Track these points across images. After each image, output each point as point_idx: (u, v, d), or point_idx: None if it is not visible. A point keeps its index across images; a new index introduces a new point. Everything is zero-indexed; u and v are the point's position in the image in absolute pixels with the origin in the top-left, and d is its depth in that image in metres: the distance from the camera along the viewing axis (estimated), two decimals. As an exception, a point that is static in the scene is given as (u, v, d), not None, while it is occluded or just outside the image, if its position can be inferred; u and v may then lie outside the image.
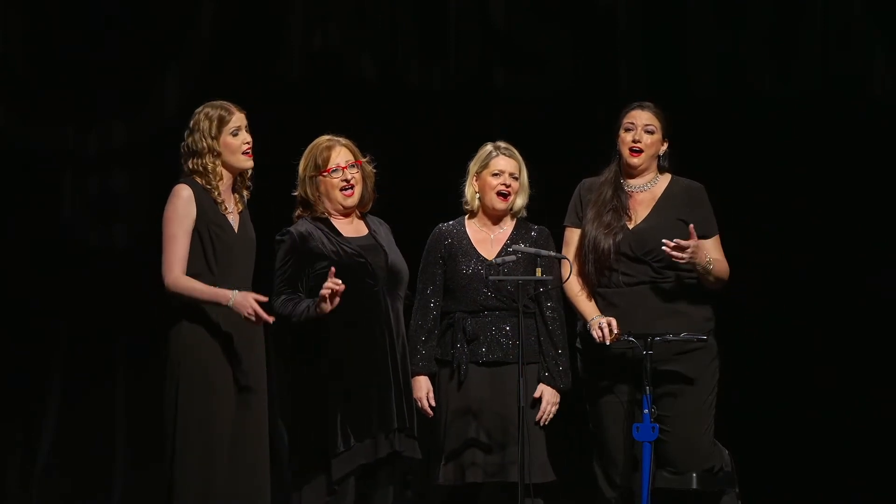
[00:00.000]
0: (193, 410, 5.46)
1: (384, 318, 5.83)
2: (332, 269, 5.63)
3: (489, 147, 6.12)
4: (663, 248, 5.79)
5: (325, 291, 5.60)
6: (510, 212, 6.11)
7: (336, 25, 7.85)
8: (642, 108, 6.06)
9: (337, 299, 5.62)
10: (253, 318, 5.42)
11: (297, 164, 5.98)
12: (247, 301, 5.42)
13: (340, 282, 5.60)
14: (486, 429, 5.93)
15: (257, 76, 7.68)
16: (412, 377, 5.96)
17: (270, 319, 5.46)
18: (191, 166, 5.61)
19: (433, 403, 6.00)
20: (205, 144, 5.58)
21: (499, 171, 6.05)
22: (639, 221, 6.01)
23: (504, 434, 5.91)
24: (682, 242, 5.79)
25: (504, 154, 6.08)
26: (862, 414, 7.61)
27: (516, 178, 6.07)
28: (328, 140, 5.95)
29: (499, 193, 6.04)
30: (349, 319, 5.77)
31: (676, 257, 5.80)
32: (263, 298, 5.48)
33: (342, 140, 5.95)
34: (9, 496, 7.69)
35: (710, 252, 5.95)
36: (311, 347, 5.79)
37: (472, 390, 5.97)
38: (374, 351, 5.80)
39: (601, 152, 6.12)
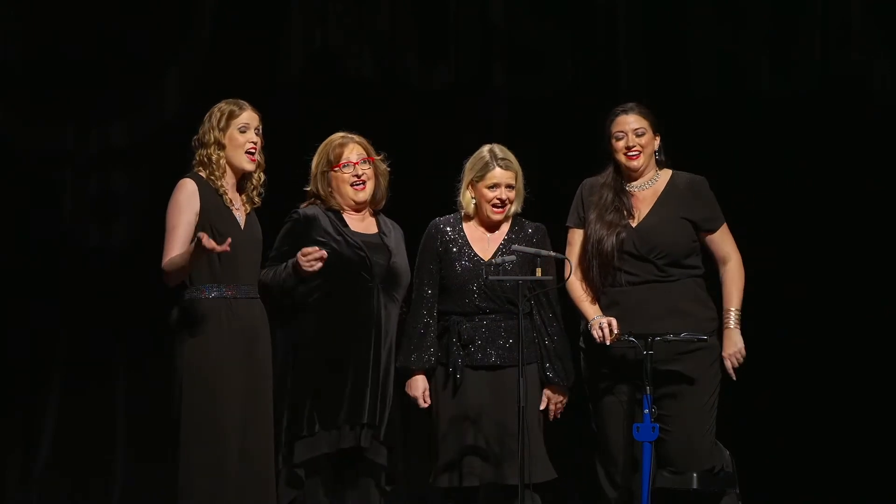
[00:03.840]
0: (198, 411, 5.45)
1: (374, 315, 5.85)
2: (315, 249, 5.69)
3: (486, 155, 5.99)
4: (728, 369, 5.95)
5: (305, 263, 5.65)
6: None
7: (336, 25, 7.85)
8: (626, 112, 6.00)
9: (319, 264, 5.66)
10: (216, 247, 5.35)
11: (298, 162, 6.03)
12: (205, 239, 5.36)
13: (318, 249, 5.66)
14: (485, 433, 5.88)
15: (257, 76, 7.68)
16: (409, 376, 5.93)
17: (220, 248, 5.37)
18: (197, 158, 5.65)
19: (429, 402, 5.93)
20: (212, 136, 5.63)
21: (495, 183, 5.96)
22: (642, 219, 6.00)
23: (503, 438, 5.85)
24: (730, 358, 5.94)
25: (501, 166, 5.95)
26: (862, 414, 7.61)
27: (512, 188, 5.98)
28: (342, 137, 6.01)
29: (494, 206, 5.97)
30: (337, 310, 5.81)
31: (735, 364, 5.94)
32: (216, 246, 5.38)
33: (355, 137, 6.01)
34: (9, 496, 7.69)
35: (721, 243, 5.97)
36: (297, 333, 5.84)
37: (469, 395, 5.91)
38: (358, 344, 5.82)
39: (602, 152, 6.11)
